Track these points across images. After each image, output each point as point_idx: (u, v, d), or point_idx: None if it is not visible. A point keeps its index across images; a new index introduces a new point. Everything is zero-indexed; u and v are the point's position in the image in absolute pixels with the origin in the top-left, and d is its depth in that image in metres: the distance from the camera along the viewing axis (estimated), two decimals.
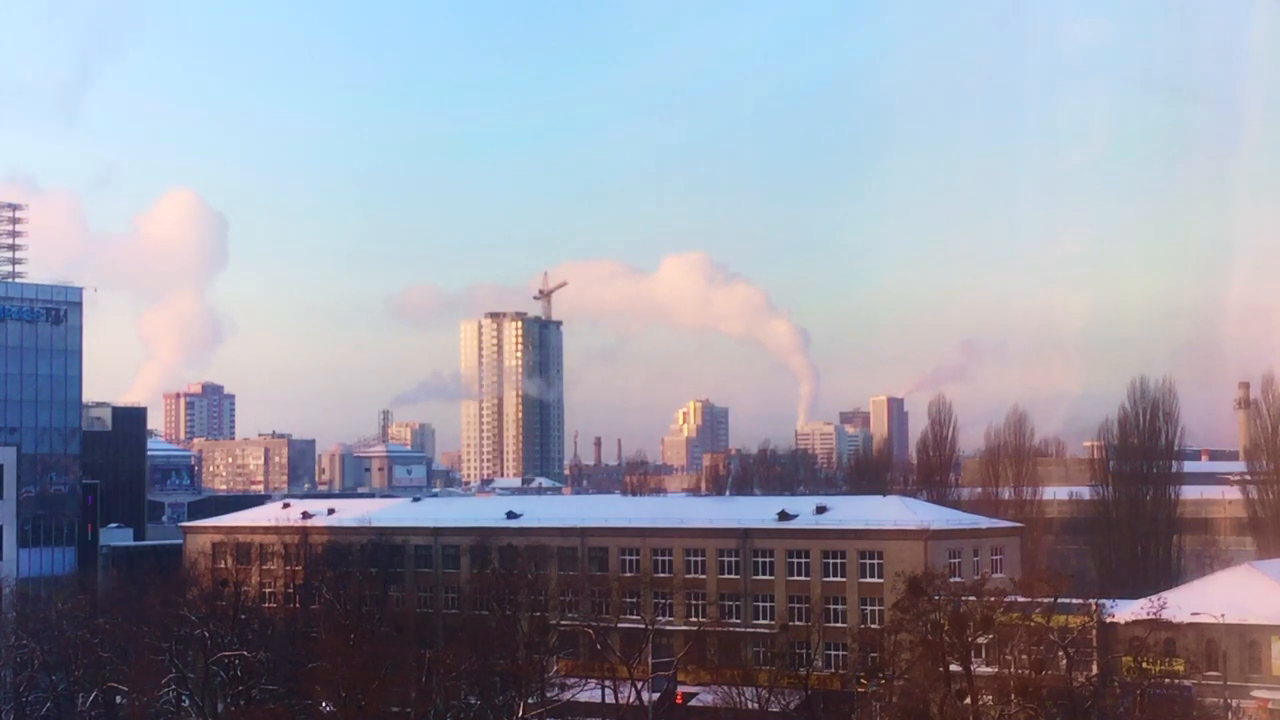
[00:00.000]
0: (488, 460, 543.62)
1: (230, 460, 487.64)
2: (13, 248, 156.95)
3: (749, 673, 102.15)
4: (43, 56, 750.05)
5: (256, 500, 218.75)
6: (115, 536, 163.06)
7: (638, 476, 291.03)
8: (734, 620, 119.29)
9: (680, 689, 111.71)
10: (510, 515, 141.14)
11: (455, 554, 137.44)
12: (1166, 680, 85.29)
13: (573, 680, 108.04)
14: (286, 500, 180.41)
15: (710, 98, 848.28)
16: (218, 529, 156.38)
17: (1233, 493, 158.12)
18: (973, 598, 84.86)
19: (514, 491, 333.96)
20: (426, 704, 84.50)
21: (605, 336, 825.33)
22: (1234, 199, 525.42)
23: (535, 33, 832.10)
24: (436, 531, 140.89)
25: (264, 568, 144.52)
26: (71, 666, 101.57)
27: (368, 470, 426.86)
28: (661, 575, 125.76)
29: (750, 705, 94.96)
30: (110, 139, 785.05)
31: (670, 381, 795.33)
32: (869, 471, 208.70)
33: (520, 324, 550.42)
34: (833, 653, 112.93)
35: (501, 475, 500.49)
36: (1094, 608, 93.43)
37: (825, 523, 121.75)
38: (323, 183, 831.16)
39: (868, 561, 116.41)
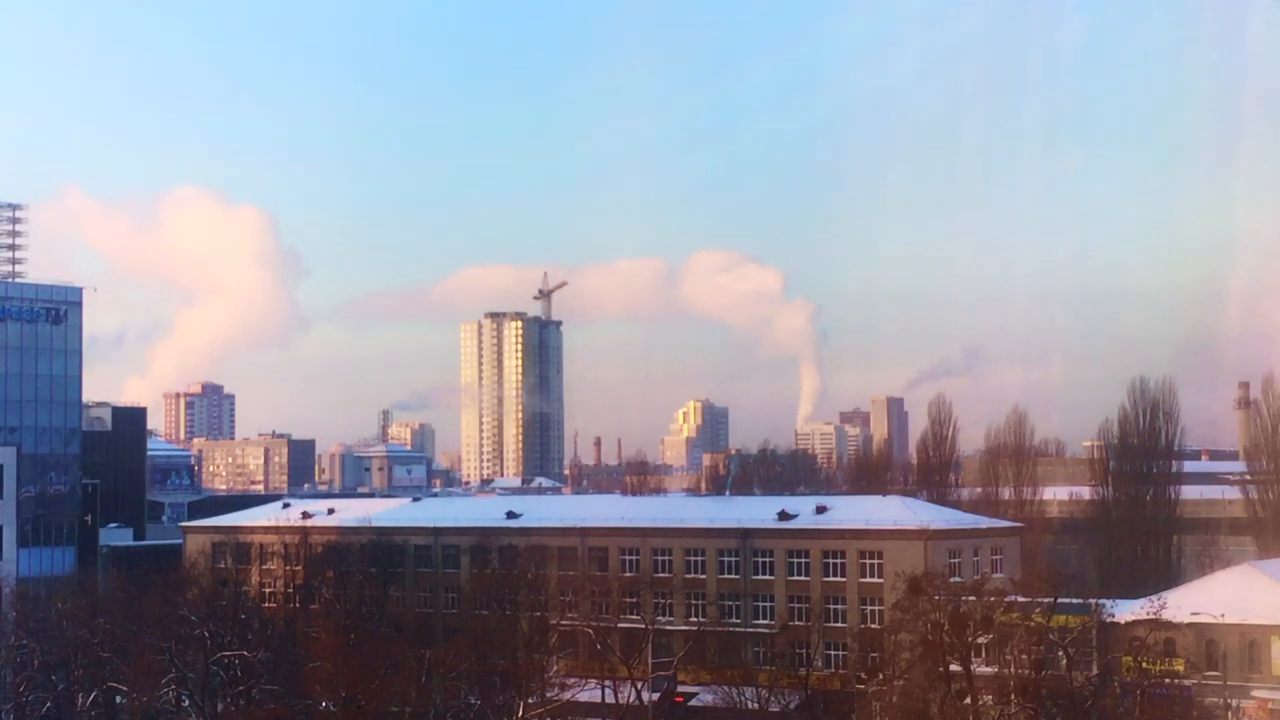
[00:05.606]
0: (488, 460, 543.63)
1: (230, 460, 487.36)
2: (13, 248, 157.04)
3: (749, 673, 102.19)
4: (45, 54, 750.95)
5: (256, 500, 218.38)
6: (115, 536, 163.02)
7: (638, 476, 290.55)
8: (734, 620, 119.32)
9: (680, 689, 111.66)
10: (510, 515, 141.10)
11: (455, 554, 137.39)
12: (1166, 680, 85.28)
13: (573, 680, 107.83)
14: (286, 500, 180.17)
15: (709, 99, 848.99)
16: (218, 529, 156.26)
17: (1233, 493, 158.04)
18: (973, 598, 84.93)
19: (514, 491, 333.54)
20: (426, 704, 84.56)
21: (605, 336, 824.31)
22: (1234, 198, 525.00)
23: (533, 31, 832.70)
24: (436, 531, 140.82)
25: (264, 568, 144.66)
26: (71, 666, 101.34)
27: (368, 470, 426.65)
28: (661, 575, 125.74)
29: (750, 705, 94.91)
30: (107, 136, 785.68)
31: (670, 381, 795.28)
32: (869, 471, 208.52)
33: (520, 324, 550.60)
34: (833, 653, 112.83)
35: (501, 475, 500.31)
36: (1094, 608, 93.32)
37: (825, 523, 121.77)
38: (323, 182, 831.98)
39: (868, 561, 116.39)
